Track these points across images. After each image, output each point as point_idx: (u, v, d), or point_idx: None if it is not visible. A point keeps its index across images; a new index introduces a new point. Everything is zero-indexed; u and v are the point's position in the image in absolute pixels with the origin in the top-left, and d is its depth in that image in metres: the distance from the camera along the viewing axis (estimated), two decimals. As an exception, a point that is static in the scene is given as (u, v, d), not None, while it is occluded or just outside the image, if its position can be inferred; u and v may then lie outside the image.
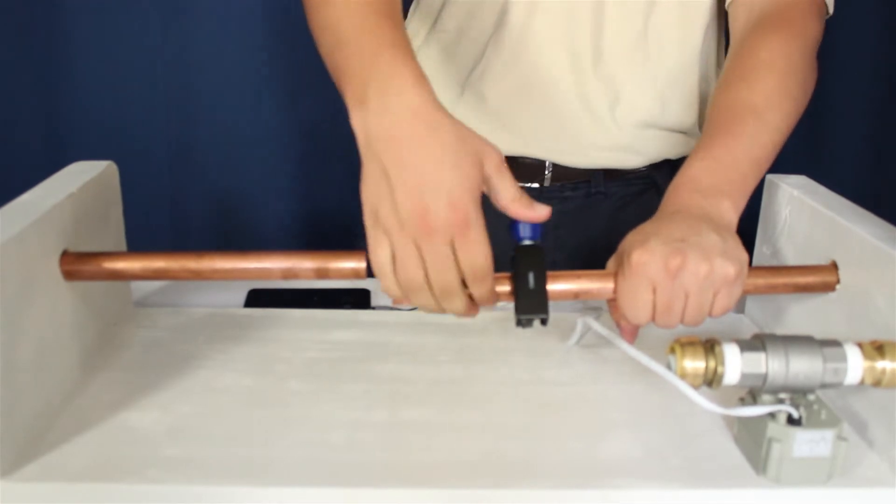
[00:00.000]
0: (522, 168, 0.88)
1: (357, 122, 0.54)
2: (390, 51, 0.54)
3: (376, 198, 0.51)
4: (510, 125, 0.86)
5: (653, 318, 0.57)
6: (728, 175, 0.63)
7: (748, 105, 0.67)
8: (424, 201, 0.50)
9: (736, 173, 0.63)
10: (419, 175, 0.50)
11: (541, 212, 0.56)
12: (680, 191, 0.63)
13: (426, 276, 0.52)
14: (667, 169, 0.91)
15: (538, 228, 0.56)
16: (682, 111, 0.86)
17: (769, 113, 0.66)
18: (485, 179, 0.53)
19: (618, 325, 0.62)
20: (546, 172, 0.88)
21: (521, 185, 0.85)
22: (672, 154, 0.89)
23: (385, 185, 0.51)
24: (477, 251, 0.51)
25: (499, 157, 0.54)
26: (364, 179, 0.52)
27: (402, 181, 0.50)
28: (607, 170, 0.89)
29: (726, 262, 0.55)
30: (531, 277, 0.56)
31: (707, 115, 0.70)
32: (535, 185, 0.89)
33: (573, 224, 0.90)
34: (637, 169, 0.89)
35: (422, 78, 0.54)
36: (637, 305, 0.56)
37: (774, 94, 0.67)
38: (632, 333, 0.62)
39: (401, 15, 0.60)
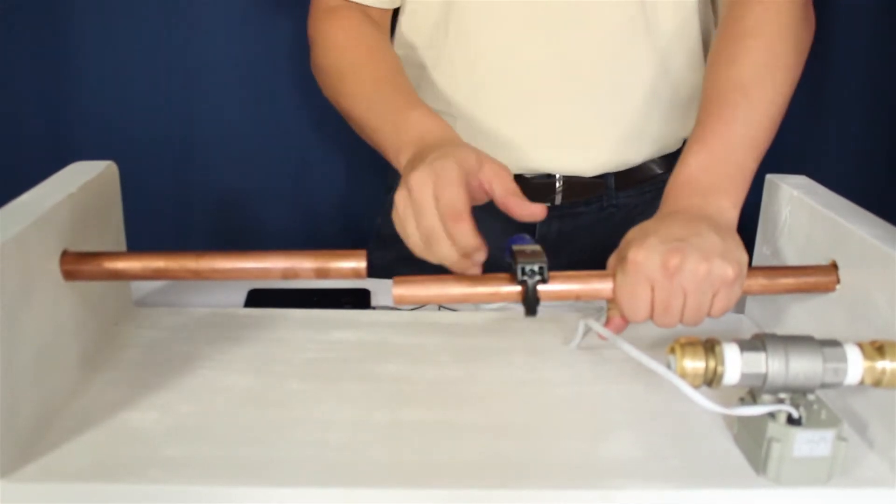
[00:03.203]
0: (532, 187, 0.86)
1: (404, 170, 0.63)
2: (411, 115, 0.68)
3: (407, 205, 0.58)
4: (509, 142, 0.84)
5: (651, 317, 0.57)
6: (725, 169, 0.63)
7: (736, 84, 0.66)
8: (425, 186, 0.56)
9: (732, 165, 0.63)
10: (425, 164, 0.58)
11: (535, 210, 0.59)
12: (678, 192, 0.63)
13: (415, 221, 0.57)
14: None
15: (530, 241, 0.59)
16: (687, 74, 0.84)
17: (758, 90, 0.65)
18: (484, 180, 0.58)
19: (609, 319, 0.62)
20: (557, 186, 0.86)
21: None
22: (682, 132, 0.87)
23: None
24: (450, 195, 0.56)
25: (497, 168, 0.59)
26: (398, 201, 0.59)
27: (416, 182, 0.57)
28: (618, 174, 0.87)
29: (725, 263, 0.55)
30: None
31: (702, 96, 0.69)
32: (547, 203, 0.87)
33: (587, 238, 0.89)
34: (647, 170, 0.88)
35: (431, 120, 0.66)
36: (635, 303, 0.56)
37: (762, 67, 0.66)
38: (619, 326, 0.61)
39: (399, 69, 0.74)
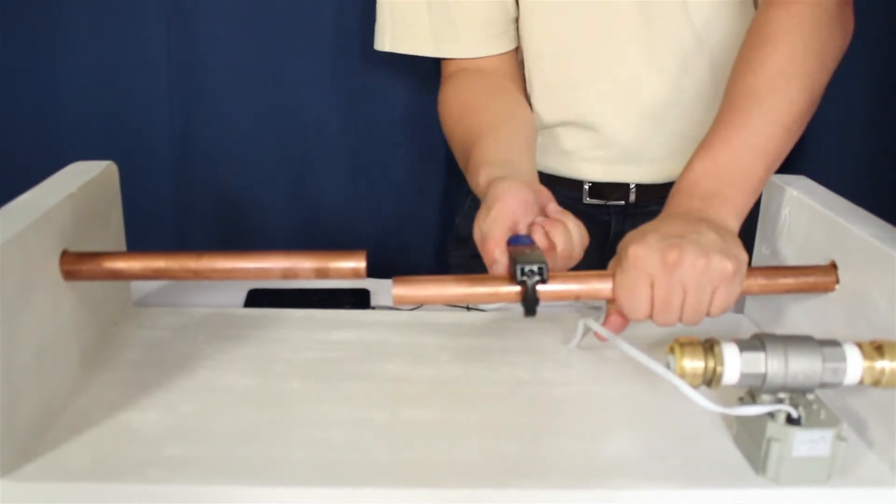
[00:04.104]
0: (608, 187, 0.91)
1: None
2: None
3: None
4: (585, 157, 0.90)
5: (651, 314, 0.57)
6: (728, 178, 0.63)
7: (751, 92, 0.65)
8: None
9: (736, 174, 0.63)
10: None
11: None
12: (681, 196, 0.63)
13: None
14: None
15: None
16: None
17: (773, 98, 0.65)
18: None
19: (607, 318, 0.62)
20: (631, 187, 0.91)
21: (608, 203, 0.92)
22: None
23: None
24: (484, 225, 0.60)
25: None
26: None
27: None
28: None
29: (724, 258, 0.55)
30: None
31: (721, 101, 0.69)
32: (622, 202, 0.92)
33: None
34: None
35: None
36: (635, 300, 0.56)
37: (779, 75, 0.65)
38: (618, 325, 0.62)
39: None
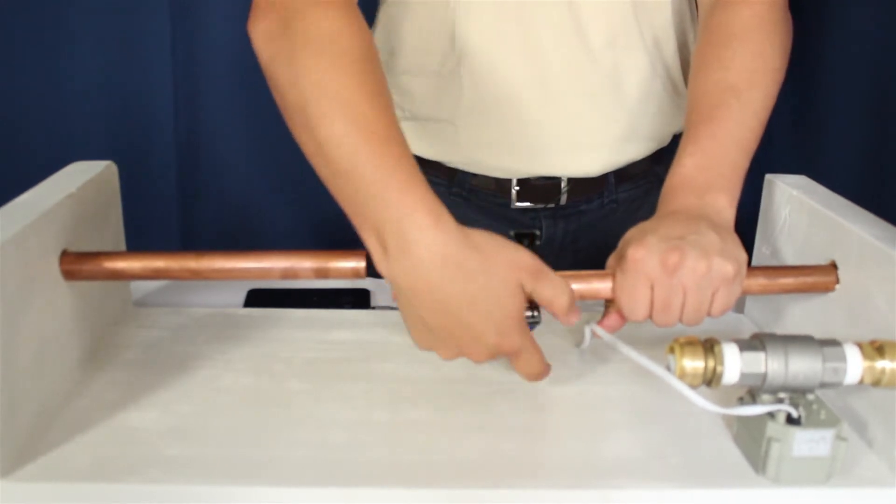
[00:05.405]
0: (537, 190, 0.86)
1: (382, 269, 0.53)
2: (398, 179, 0.52)
3: (427, 342, 0.55)
4: (514, 148, 0.84)
5: (651, 316, 0.57)
6: (719, 169, 0.63)
7: (727, 86, 0.67)
8: (473, 346, 0.53)
9: (726, 165, 0.63)
10: (459, 322, 0.52)
11: (572, 319, 0.56)
12: (675, 192, 0.63)
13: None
14: (667, 160, 0.90)
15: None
16: (677, 70, 0.86)
17: (750, 91, 0.66)
18: (527, 292, 0.53)
19: (604, 317, 0.62)
20: (562, 187, 0.86)
21: (539, 206, 0.87)
22: (676, 127, 0.88)
23: (429, 333, 0.54)
24: (533, 364, 0.55)
25: (533, 264, 0.53)
26: (408, 324, 0.55)
27: (444, 333, 0.53)
28: (618, 171, 0.88)
29: (725, 261, 0.55)
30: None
31: (689, 99, 0.70)
32: (552, 205, 0.88)
33: (591, 236, 0.90)
34: (642, 163, 0.88)
35: (435, 204, 0.51)
36: (635, 302, 0.56)
37: (752, 70, 0.67)
38: (616, 324, 0.61)
39: (394, 115, 0.55)
